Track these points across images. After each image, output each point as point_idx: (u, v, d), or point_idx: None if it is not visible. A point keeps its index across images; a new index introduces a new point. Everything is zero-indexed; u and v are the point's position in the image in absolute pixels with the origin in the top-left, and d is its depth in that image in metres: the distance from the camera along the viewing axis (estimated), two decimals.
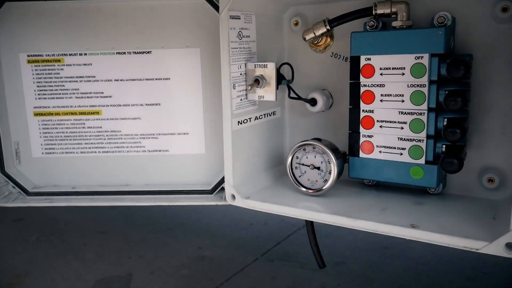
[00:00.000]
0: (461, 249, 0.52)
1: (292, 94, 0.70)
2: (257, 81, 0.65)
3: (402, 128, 0.60)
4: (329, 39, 0.69)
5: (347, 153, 0.66)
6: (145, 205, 0.71)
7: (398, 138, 0.61)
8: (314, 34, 0.65)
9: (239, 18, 0.64)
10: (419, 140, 0.59)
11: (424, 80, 0.58)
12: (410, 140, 0.60)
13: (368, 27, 0.63)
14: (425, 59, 0.57)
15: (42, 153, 0.76)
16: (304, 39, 0.66)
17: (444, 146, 0.59)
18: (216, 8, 0.66)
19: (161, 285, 1.76)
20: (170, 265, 1.90)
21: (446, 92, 0.56)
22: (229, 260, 1.98)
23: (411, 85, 0.59)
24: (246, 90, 0.66)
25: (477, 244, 0.49)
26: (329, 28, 0.64)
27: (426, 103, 0.58)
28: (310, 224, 0.71)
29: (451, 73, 0.52)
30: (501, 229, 0.49)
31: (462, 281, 1.78)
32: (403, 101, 0.60)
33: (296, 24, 0.73)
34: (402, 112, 0.60)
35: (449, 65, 0.52)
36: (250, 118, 0.68)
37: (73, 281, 1.77)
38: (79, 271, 1.84)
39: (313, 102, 0.70)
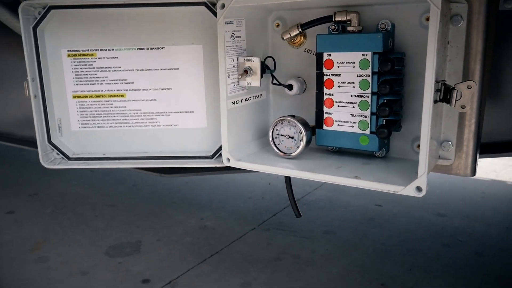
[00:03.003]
0: (388, 192, 0.76)
1: (274, 81, 0.94)
2: (246, 72, 0.88)
3: (353, 107, 0.84)
4: (302, 38, 0.92)
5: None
6: (161, 167, 0.96)
7: (351, 114, 0.84)
8: (290, 35, 0.88)
9: (232, 23, 0.86)
10: (365, 116, 0.83)
11: (368, 71, 0.81)
12: (359, 116, 0.83)
13: (331, 29, 0.86)
14: (369, 56, 0.80)
15: (79, 127, 1.00)
16: (282, 38, 0.89)
17: (384, 120, 0.82)
18: (215, 14, 0.88)
19: (168, 250, 2.03)
20: (176, 233, 2.17)
21: (379, 81, 0.80)
22: (229, 229, 2.26)
23: (359, 75, 0.82)
24: (238, 78, 0.89)
25: (397, 188, 0.73)
26: (301, 30, 0.87)
27: (370, 88, 0.81)
28: (288, 181, 0.95)
29: (381, 68, 0.75)
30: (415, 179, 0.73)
31: (439, 247, 2.05)
32: (354, 87, 0.83)
33: (278, 25, 0.95)
34: (353, 95, 0.83)
35: (380, 62, 0.76)
36: (241, 100, 0.92)
37: (87, 247, 2.05)
38: (92, 238, 2.11)
39: (290, 87, 0.93)
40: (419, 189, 0.71)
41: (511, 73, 1.02)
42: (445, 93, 0.72)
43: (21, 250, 2.03)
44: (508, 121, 1.03)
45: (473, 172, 0.83)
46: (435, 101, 0.72)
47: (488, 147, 0.99)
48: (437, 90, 0.72)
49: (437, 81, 0.72)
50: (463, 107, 0.72)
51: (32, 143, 2.21)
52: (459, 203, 2.49)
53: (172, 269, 1.83)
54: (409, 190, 0.72)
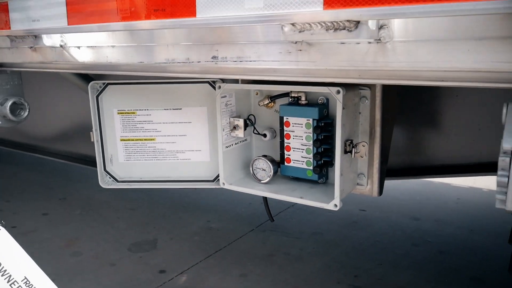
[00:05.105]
0: (319, 207, 1.34)
1: (255, 131, 1.53)
2: (235, 127, 1.47)
3: (302, 152, 1.41)
4: (273, 103, 1.50)
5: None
6: (180, 187, 1.56)
7: (301, 156, 1.42)
8: (264, 103, 1.47)
9: (226, 96, 1.45)
10: (310, 158, 1.41)
11: (310, 130, 1.38)
12: (306, 157, 1.41)
13: (290, 100, 1.44)
14: (311, 121, 1.38)
15: (124, 160, 1.60)
16: (259, 104, 1.48)
17: (322, 161, 1.41)
18: (214, 88, 1.48)
19: (179, 247, 2.66)
20: (186, 233, 2.80)
21: (315, 138, 1.38)
22: (231, 230, 2.88)
23: (305, 132, 1.39)
24: (229, 131, 1.48)
25: (323, 204, 1.31)
26: (270, 100, 1.46)
27: (312, 141, 1.40)
28: (265, 198, 1.55)
29: (314, 131, 1.33)
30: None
31: (409, 246, 2.65)
32: (302, 139, 1.40)
33: (257, 94, 1.53)
34: (302, 144, 1.41)
35: (314, 127, 1.34)
36: (232, 144, 1.50)
37: (112, 243, 2.68)
38: (116, 237, 2.75)
39: (265, 135, 1.51)
40: (335, 205, 1.30)
41: (417, 120, 1.59)
42: (351, 148, 1.31)
43: (58, 246, 2.66)
44: (410, 154, 1.60)
45: (380, 193, 1.41)
46: (346, 152, 1.30)
47: (397, 171, 1.58)
48: (348, 145, 1.31)
49: (347, 140, 1.31)
50: (362, 156, 1.31)
51: (65, 156, 2.84)
52: (434, 208, 3.05)
53: (184, 262, 2.44)
54: (330, 206, 1.30)
